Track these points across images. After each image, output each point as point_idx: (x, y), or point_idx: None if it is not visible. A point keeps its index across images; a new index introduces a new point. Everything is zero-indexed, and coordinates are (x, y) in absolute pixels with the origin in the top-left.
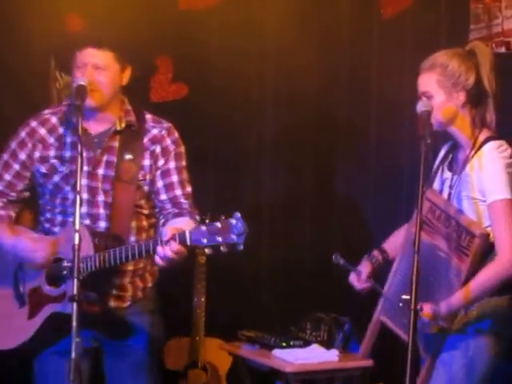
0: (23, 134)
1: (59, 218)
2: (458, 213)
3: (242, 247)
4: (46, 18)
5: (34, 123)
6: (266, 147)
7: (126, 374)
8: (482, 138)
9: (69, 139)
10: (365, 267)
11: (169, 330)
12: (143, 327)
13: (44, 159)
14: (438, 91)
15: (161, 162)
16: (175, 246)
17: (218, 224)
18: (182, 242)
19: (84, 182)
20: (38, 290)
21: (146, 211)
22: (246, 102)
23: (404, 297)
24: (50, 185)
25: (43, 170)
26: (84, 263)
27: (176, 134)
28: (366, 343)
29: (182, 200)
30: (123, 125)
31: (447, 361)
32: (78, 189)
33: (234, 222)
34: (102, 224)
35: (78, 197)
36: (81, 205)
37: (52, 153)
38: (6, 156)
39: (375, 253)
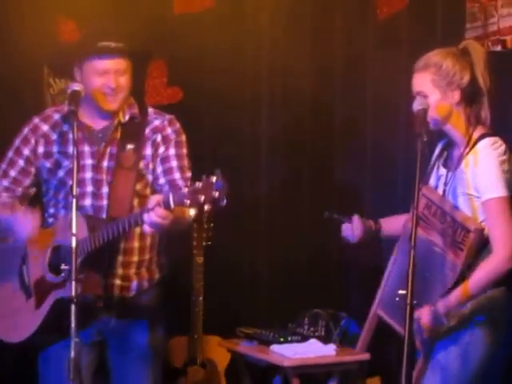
0: (26, 130)
1: (62, 213)
2: (453, 209)
3: (224, 202)
4: (39, 22)
5: (36, 120)
6: (262, 147)
7: (129, 367)
8: (476, 135)
9: (71, 135)
10: (356, 221)
11: (168, 328)
12: (147, 321)
13: (48, 155)
14: (433, 90)
15: (161, 150)
16: (160, 210)
17: (199, 184)
18: (166, 205)
19: (89, 175)
20: (41, 279)
21: None
22: (241, 104)
23: (400, 292)
24: (55, 180)
25: (48, 165)
26: (80, 246)
27: (177, 125)
28: (363, 337)
29: (180, 182)
30: (127, 117)
31: (443, 352)
32: (74, 193)
33: (214, 178)
34: (105, 216)
35: (73, 200)
36: (77, 207)
37: (56, 148)
38: (10, 153)
39: (369, 220)
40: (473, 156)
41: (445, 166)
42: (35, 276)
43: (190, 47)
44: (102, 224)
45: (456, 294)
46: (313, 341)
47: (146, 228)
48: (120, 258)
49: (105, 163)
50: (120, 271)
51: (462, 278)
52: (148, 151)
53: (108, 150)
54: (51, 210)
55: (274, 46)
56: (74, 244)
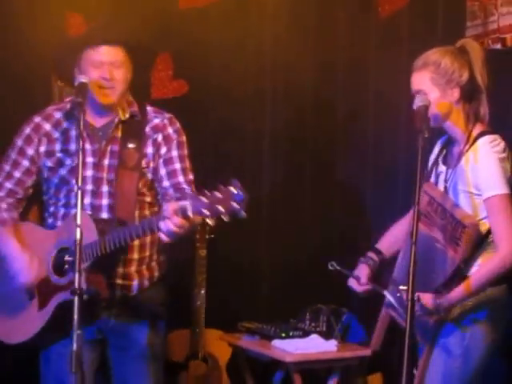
0: (28, 130)
1: (62, 212)
2: (453, 206)
3: (243, 214)
4: (48, 16)
5: (38, 119)
6: (265, 142)
7: (130, 365)
8: (475, 132)
9: (73, 133)
10: (363, 270)
11: (169, 322)
12: (148, 319)
13: (50, 153)
14: (432, 89)
15: (163, 150)
16: (177, 219)
17: (218, 193)
18: (184, 214)
19: (90, 172)
20: (45, 280)
21: (148, 199)
22: (245, 98)
23: (402, 287)
24: (56, 178)
25: (49, 163)
26: (89, 249)
27: (178, 124)
28: (376, 336)
29: (185, 186)
30: (127, 115)
31: (444, 350)
32: (80, 183)
33: (233, 189)
34: (105, 215)
35: (79, 191)
36: (83, 197)
37: (57, 147)
38: (13, 154)
39: (370, 254)
40: (473, 153)
41: (444, 163)
42: (39, 277)
43: (196, 42)
44: (110, 227)
45: (459, 290)
46: (314, 336)
47: (163, 236)
48: (121, 256)
49: (106, 161)
50: (121, 270)
51: (459, 272)
52: (149, 150)
53: (109, 148)
54: (51, 209)
55: (277, 41)
56: (78, 235)
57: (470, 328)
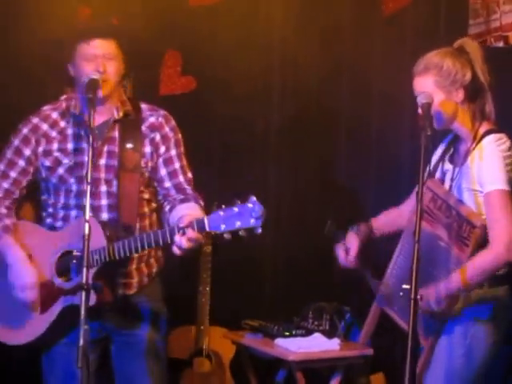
0: (25, 130)
1: (61, 213)
2: (458, 203)
3: (260, 230)
4: (59, 6)
5: (35, 119)
6: (271, 139)
7: (132, 363)
8: (482, 130)
9: (70, 131)
10: (353, 240)
11: (174, 319)
12: (150, 316)
13: (47, 153)
14: (437, 91)
15: (162, 150)
16: (193, 233)
17: (235, 208)
18: (201, 228)
19: None
20: (48, 283)
21: (146, 195)
22: (252, 94)
23: (404, 286)
24: (54, 178)
25: (47, 163)
26: (97, 255)
27: (173, 122)
28: (365, 330)
29: (186, 186)
30: (121, 114)
31: (445, 349)
32: (89, 180)
33: (251, 205)
34: (105, 215)
35: (88, 187)
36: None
37: (55, 146)
38: (9, 154)
39: (362, 227)
40: (478, 151)
41: (451, 161)
42: (41, 279)
43: (204, 38)
44: (117, 232)
45: (455, 278)
46: (317, 335)
47: (175, 249)
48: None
49: (102, 161)
50: (122, 269)
51: None
52: (147, 149)
53: (105, 148)
54: (50, 210)
55: (284, 38)
56: (86, 231)
57: (472, 327)
